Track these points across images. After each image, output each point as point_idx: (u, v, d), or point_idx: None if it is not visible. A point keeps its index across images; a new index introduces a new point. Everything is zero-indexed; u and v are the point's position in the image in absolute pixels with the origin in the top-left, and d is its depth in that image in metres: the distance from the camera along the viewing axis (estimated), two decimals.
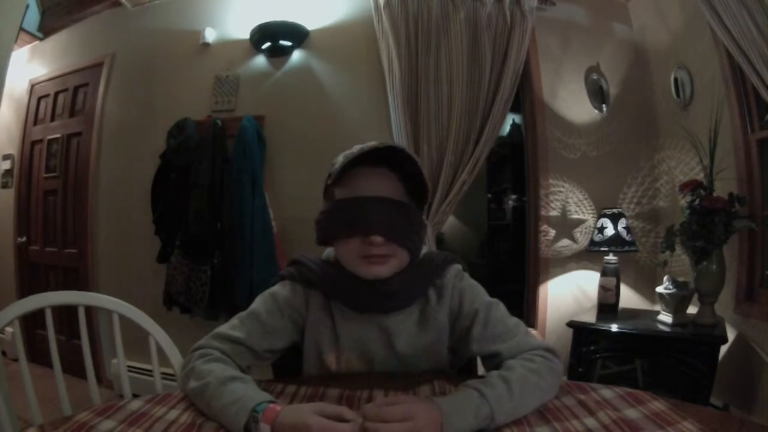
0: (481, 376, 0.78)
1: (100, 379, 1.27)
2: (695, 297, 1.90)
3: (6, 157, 3.11)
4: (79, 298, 1.06)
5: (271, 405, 0.64)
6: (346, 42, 2.33)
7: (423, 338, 0.87)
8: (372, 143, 0.78)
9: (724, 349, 1.77)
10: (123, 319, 1.07)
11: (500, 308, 0.85)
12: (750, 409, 1.80)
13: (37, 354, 2.46)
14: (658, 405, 0.69)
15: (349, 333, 0.86)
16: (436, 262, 0.89)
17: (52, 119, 2.93)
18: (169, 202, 2.31)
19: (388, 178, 0.81)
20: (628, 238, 2.16)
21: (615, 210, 2.21)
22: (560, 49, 2.43)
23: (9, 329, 2.64)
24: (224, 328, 0.84)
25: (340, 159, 0.81)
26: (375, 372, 0.87)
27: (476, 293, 0.87)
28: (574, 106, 2.42)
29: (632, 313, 2.14)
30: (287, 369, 0.96)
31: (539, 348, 0.78)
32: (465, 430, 0.62)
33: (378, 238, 0.76)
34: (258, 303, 0.87)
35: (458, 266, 0.90)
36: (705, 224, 1.78)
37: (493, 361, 0.80)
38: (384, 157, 0.79)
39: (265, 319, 0.84)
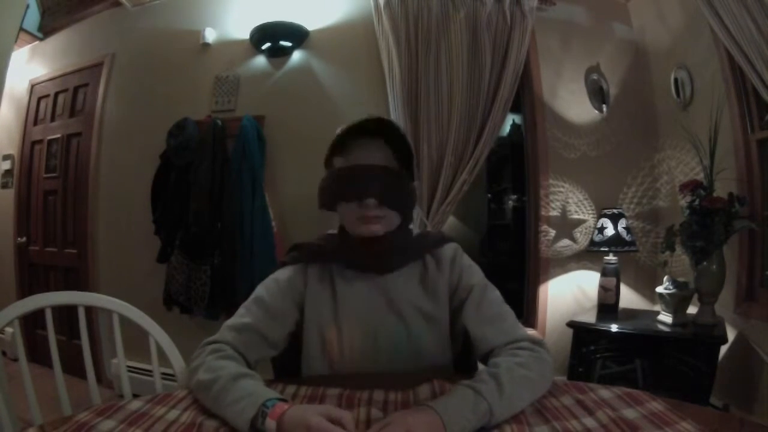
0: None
1: (100, 379, 1.27)
2: (695, 297, 1.90)
3: (6, 157, 3.11)
4: (79, 298, 1.06)
5: (280, 402, 0.66)
6: (346, 42, 2.33)
7: (424, 302, 0.89)
8: (366, 116, 0.86)
9: (724, 349, 1.77)
10: (123, 319, 1.07)
11: (495, 292, 0.90)
12: (750, 409, 1.80)
13: (37, 354, 2.46)
14: (656, 405, 0.69)
15: (349, 297, 0.89)
16: (432, 235, 0.97)
17: (52, 119, 2.93)
18: (169, 202, 2.31)
19: (381, 149, 0.87)
20: (628, 238, 2.16)
21: (615, 210, 2.21)
22: (560, 49, 2.43)
23: (9, 329, 2.63)
24: (232, 319, 0.88)
25: (338, 131, 0.89)
26: (379, 354, 0.88)
27: (474, 271, 0.92)
28: (574, 106, 2.42)
29: (632, 313, 2.14)
30: (287, 369, 0.97)
31: (525, 339, 0.80)
32: (467, 429, 0.62)
33: (371, 201, 0.84)
34: (260, 289, 0.92)
35: (456, 244, 0.96)
36: (705, 224, 1.78)
37: (483, 349, 0.83)
38: (377, 130, 0.87)
39: (269, 302, 0.88)
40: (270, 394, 0.69)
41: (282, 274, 0.92)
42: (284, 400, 0.68)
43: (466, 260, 0.94)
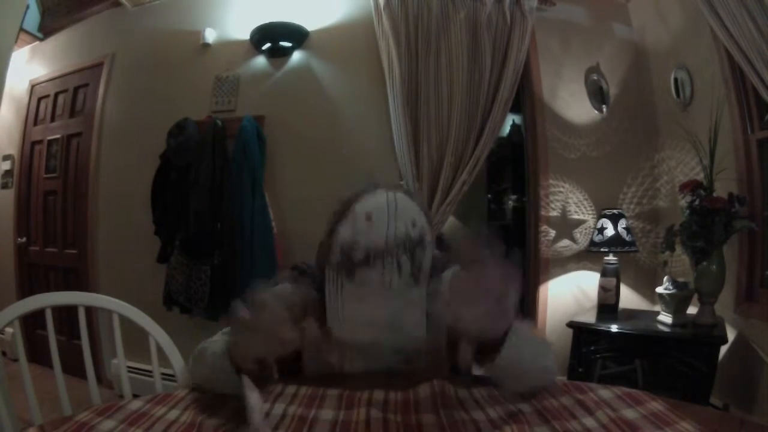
0: (481, 377, 0.78)
1: (100, 379, 1.27)
2: (695, 297, 1.90)
3: (6, 158, 3.11)
4: (79, 298, 1.06)
5: None
6: (346, 42, 2.33)
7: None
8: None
9: (724, 349, 1.77)
10: (123, 319, 1.07)
11: None
12: (750, 409, 1.80)
13: (37, 354, 2.46)
14: (656, 405, 0.69)
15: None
16: (437, 263, 0.90)
17: (52, 120, 2.93)
18: (169, 202, 2.31)
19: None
20: (628, 238, 2.16)
21: (615, 210, 2.21)
22: (560, 49, 2.43)
23: (9, 329, 2.64)
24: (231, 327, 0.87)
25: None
26: (376, 371, 0.87)
27: None
28: (574, 106, 2.42)
29: (632, 314, 2.14)
30: (287, 369, 0.97)
31: None
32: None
33: None
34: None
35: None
36: (705, 224, 1.78)
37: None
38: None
39: None
40: None
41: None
42: None
43: None
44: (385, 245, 0.71)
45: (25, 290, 2.93)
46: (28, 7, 2.47)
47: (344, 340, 0.72)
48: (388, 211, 0.72)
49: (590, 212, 2.41)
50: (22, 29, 2.51)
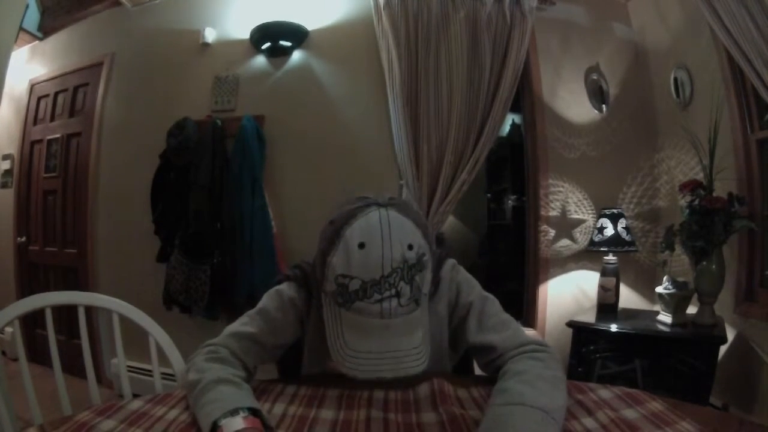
0: (482, 377, 0.78)
1: (100, 379, 1.28)
2: (695, 297, 1.91)
3: (6, 157, 3.11)
4: (79, 298, 1.06)
5: (244, 417, 0.63)
6: (346, 42, 2.33)
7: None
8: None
9: (723, 349, 1.77)
10: (123, 319, 1.07)
11: (495, 303, 0.88)
12: (750, 409, 1.80)
13: (37, 354, 2.46)
14: (656, 405, 0.69)
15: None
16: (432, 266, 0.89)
17: (52, 119, 2.93)
18: (168, 201, 2.31)
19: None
20: (627, 238, 2.16)
21: (614, 210, 2.21)
22: (560, 49, 2.43)
23: (9, 329, 2.64)
24: (235, 326, 0.87)
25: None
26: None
27: (472, 286, 0.90)
28: (574, 106, 2.42)
29: (632, 313, 2.14)
30: (289, 368, 0.97)
31: (533, 343, 0.79)
32: None
33: None
34: (265, 300, 0.89)
35: (452, 260, 0.92)
36: (704, 224, 1.78)
37: (489, 355, 0.80)
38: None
39: (273, 316, 0.87)
40: (243, 402, 0.66)
41: (287, 290, 0.88)
42: (257, 414, 0.66)
43: (463, 276, 0.90)
44: (382, 274, 0.67)
45: (25, 290, 2.93)
46: (27, 6, 2.47)
47: (345, 372, 0.69)
48: (382, 236, 0.68)
49: (590, 212, 2.41)
50: (21, 28, 2.52)
